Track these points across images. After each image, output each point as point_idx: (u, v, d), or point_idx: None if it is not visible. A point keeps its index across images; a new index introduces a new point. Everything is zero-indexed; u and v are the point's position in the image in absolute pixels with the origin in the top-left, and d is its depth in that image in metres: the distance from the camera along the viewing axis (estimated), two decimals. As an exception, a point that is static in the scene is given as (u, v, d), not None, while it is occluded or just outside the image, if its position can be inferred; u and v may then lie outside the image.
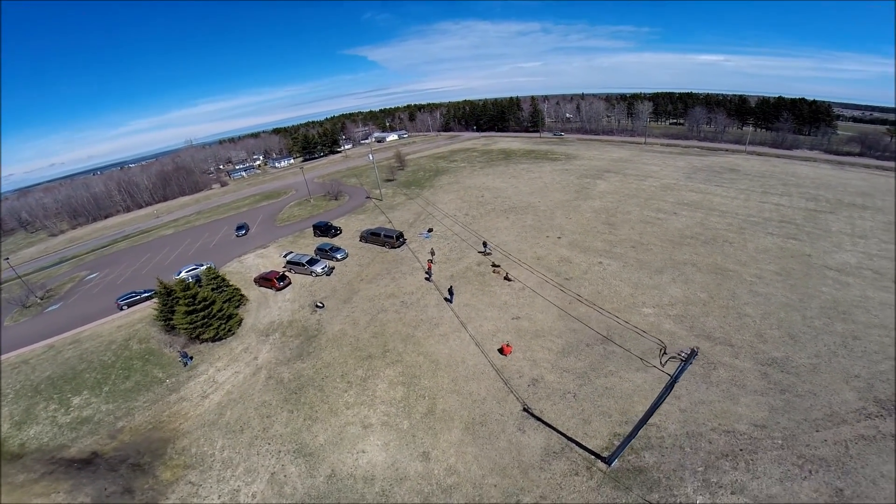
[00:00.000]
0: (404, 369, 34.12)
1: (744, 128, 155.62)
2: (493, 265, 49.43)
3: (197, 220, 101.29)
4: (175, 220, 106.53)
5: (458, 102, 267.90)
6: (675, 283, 42.84)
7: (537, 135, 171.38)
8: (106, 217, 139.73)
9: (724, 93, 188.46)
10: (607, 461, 23.75)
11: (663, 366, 29.47)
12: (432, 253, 54.38)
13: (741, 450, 23.73)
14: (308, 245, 64.22)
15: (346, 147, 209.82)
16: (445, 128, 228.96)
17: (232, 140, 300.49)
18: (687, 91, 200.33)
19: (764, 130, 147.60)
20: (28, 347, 46.66)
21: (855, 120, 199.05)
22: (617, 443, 24.99)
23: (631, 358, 32.28)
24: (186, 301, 39.99)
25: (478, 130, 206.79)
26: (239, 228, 78.75)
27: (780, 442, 24.00)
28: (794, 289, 40.34)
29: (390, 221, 71.29)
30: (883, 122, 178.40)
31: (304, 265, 53.70)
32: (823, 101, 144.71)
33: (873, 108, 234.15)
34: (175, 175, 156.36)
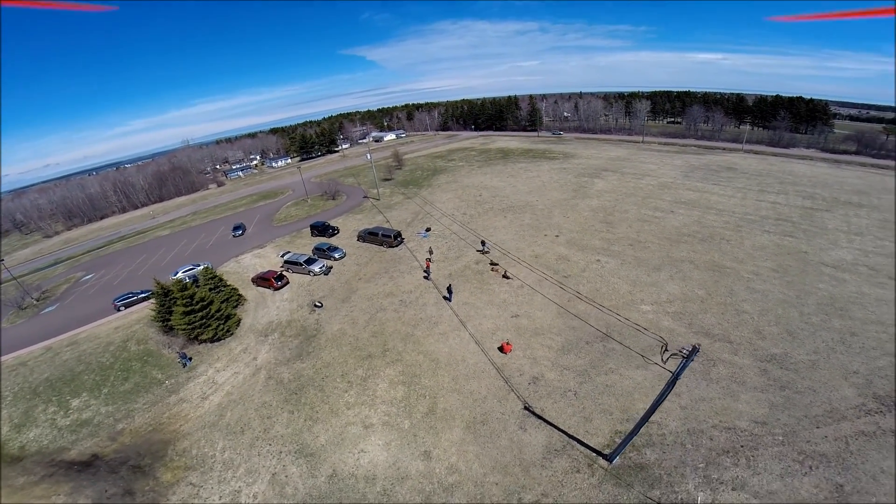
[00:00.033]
0: (404, 368, 34.10)
1: (741, 126, 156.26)
2: (492, 263, 49.46)
3: (193, 220, 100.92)
4: (171, 221, 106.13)
5: (457, 102, 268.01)
6: (672, 280, 42.96)
7: (535, 134, 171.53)
8: (102, 218, 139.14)
9: (721, 91, 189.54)
10: (609, 458, 23.80)
11: (665, 362, 29.66)
12: (431, 252, 54.36)
13: (742, 446, 23.81)
14: (305, 245, 64.09)
15: (344, 147, 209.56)
16: (443, 127, 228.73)
17: (229, 140, 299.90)
18: (684, 90, 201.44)
19: (761, 129, 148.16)
20: (25, 349, 46.37)
21: (852, 118, 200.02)
22: (618, 440, 25.07)
23: (631, 355, 32.35)
24: (184, 301, 39.84)
25: (476, 130, 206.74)
26: (236, 229, 78.50)
27: (780, 438, 24.09)
28: (791, 285, 40.51)
29: (388, 221, 71.22)
30: (879, 120, 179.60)
31: (301, 265, 53.59)
32: (820, 100, 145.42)
33: (870, 107, 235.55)
34: (171, 175, 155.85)
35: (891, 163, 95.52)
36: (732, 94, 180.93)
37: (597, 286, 43.02)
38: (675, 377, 29.06)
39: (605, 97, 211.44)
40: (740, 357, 31.30)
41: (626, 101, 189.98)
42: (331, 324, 41.97)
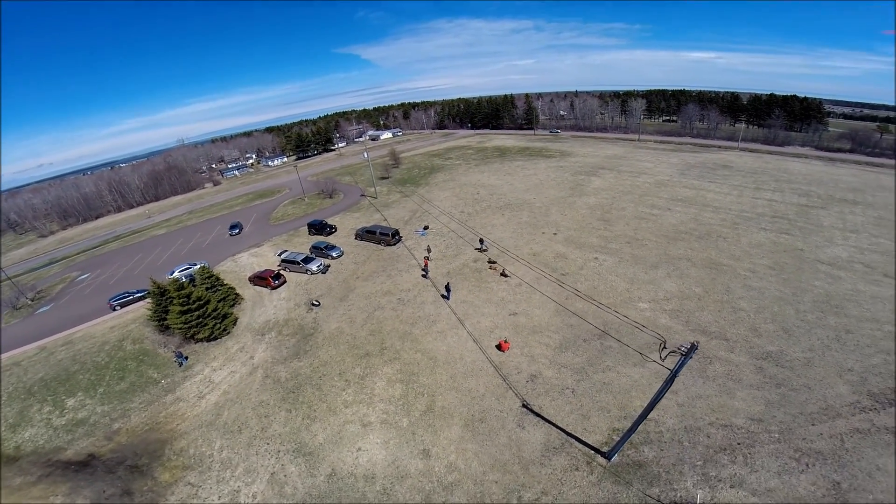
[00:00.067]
0: (402, 367, 34.07)
1: (736, 124, 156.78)
2: (490, 262, 49.48)
3: (189, 219, 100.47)
4: (167, 220, 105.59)
5: (453, 100, 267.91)
6: (669, 277, 43.10)
7: (532, 132, 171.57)
8: (97, 217, 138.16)
9: (716, 90, 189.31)
10: (607, 456, 23.87)
11: (663, 360, 29.73)
12: (428, 250, 54.31)
13: (739, 444, 23.92)
14: (303, 243, 63.90)
15: (340, 145, 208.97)
16: (440, 126, 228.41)
17: (224, 139, 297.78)
18: (680, 88, 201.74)
19: (756, 127, 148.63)
20: (20, 349, 46.06)
21: (845, 117, 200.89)
22: (616, 437, 25.14)
23: (628, 353, 32.44)
24: (181, 301, 39.65)
25: (472, 128, 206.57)
26: (232, 227, 78.18)
27: (776, 436, 24.21)
28: (787, 283, 40.71)
29: (385, 219, 71.13)
30: (873, 118, 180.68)
31: (299, 263, 53.44)
32: (815, 98, 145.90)
33: (863, 105, 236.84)
34: (167, 174, 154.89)
35: (885, 160, 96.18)
36: (727, 92, 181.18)
37: (594, 284, 43.11)
38: (674, 374, 29.16)
39: (601, 96, 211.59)
40: (736, 354, 31.44)
41: (622, 99, 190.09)
42: (328, 322, 41.89)
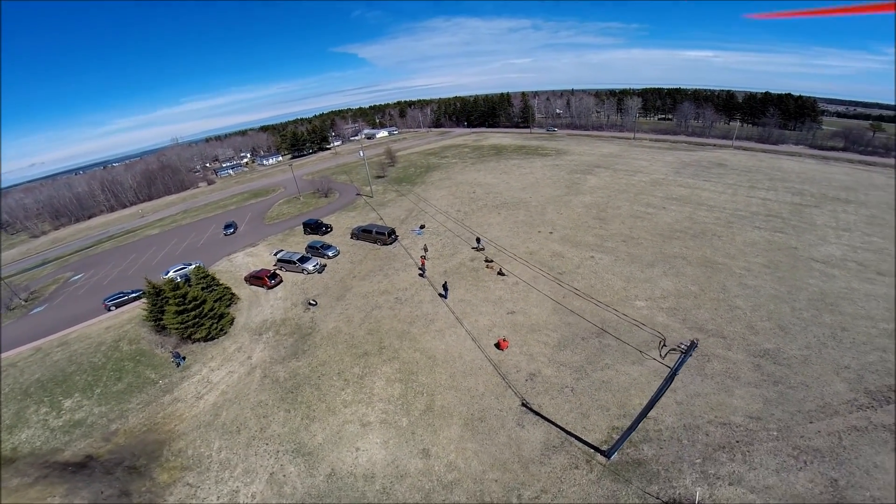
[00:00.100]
0: (401, 366, 34.05)
1: (731, 123, 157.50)
2: (487, 260, 49.52)
3: (184, 219, 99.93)
4: (161, 220, 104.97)
5: (449, 99, 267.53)
6: (666, 276, 43.30)
7: (528, 130, 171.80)
8: (89, 217, 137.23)
9: (711, 88, 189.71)
10: (607, 454, 23.97)
11: (663, 358, 29.87)
12: (425, 249, 54.23)
13: (737, 441, 24.09)
14: (298, 243, 63.70)
15: (336, 144, 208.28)
16: (436, 124, 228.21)
17: (219, 138, 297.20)
18: (675, 87, 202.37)
19: (751, 125, 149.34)
20: (14, 350, 45.63)
21: (839, 115, 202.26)
22: (616, 436, 25.25)
23: (626, 351, 32.57)
24: (176, 301, 39.43)
25: (469, 126, 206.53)
26: (227, 227, 77.75)
27: (774, 433, 24.39)
28: (782, 281, 41.00)
29: (382, 218, 71.01)
30: (866, 117, 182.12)
31: (295, 263, 53.26)
32: (809, 97, 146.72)
33: (856, 104, 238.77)
34: (160, 174, 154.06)
35: (877, 159, 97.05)
36: (722, 91, 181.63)
37: (591, 282, 43.24)
38: (674, 372, 29.31)
39: (597, 94, 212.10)
40: (734, 352, 31.64)
41: (618, 98, 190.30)
42: (326, 322, 41.79)
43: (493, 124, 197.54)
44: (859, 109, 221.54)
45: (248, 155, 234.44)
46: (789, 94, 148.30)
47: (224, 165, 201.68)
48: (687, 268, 44.53)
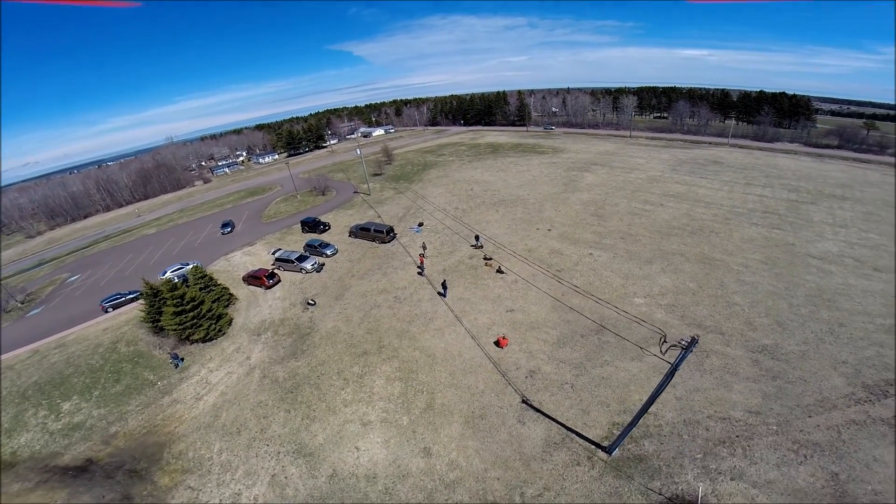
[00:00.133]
0: (401, 365, 34.04)
1: (726, 121, 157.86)
2: (485, 258, 49.54)
3: (180, 218, 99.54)
4: (157, 219, 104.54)
5: (445, 97, 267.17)
6: (664, 272, 43.44)
7: (524, 128, 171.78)
8: (85, 217, 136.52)
9: (707, 87, 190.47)
10: (608, 450, 24.04)
11: (664, 354, 29.95)
12: (424, 247, 54.19)
13: (737, 436, 24.22)
14: (296, 242, 63.54)
15: (332, 142, 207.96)
16: (432, 122, 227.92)
17: (214, 137, 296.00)
18: (671, 85, 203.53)
19: (746, 124, 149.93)
20: (12, 353, 45.37)
21: (833, 113, 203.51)
22: (616, 432, 25.31)
23: (625, 347, 32.68)
24: (174, 301, 39.27)
25: (465, 125, 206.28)
26: (224, 226, 77.49)
27: (774, 428, 24.55)
28: (779, 277, 41.20)
29: (379, 216, 70.91)
30: (860, 115, 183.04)
31: (293, 262, 53.12)
32: (803, 95, 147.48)
33: (850, 102, 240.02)
34: (156, 172, 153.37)
35: (872, 157, 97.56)
36: (718, 89, 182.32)
37: (590, 279, 43.34)
38: (675, 368, 29.32)
39: (593, 92, 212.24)
40: (732, 348, 31.80)
41: (614, 96, 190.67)
42: (325, 321, 41.72)
43: (490, 122, 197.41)
44: (853, 108, 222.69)
45: (244, 153, 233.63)
46: (784, 93, 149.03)
47: (220, 164, 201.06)
48: (685, 264, 44.69)
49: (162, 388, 35.80)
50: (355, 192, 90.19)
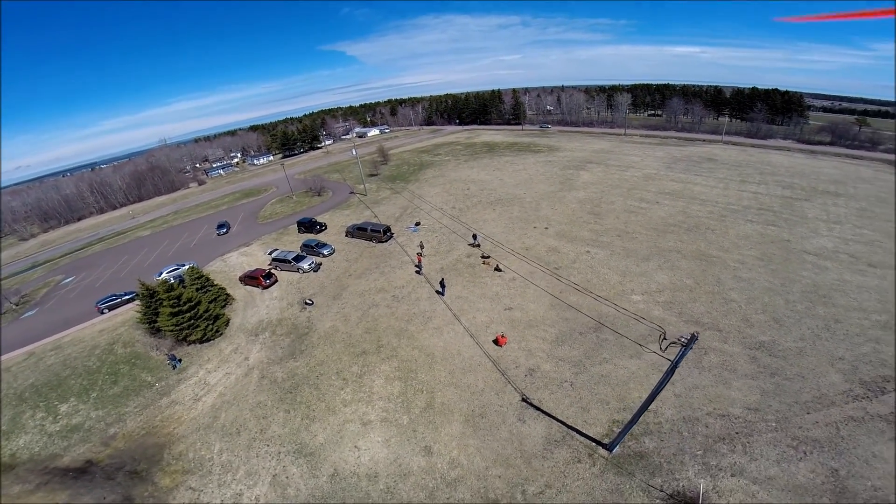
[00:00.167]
0: (400, 364, 34.01)
1: (720, 118, 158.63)
2: (483, 256, 49.57)
3: (175, 219, 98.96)
4: (152, 221, 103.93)
5: (440, 96, 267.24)
6: (661, 270, 43.62)
7: (519, 127, 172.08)
8: (79, 219, 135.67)
9: (700, 84, 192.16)
10: (609, 448, 24.14)
11: (664, 351, 30.10)
12: (421, 246, 54.18)
13: (737, 433, 24.36)
14: (293, 242, 63.35)
15: (327, 143, 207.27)
16: (428, 122, 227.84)
17: (208, 138, 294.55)
18: (664, 82, 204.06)
19: (739, 121, 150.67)
20: (7, 355, 44.94)
21: (825, 110, 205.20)
22: (616, 429, 25.42)
23: (624, 345, 32.79)
24: (171, 302, 39.06)
25: (460, 124, 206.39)
26: (220, 227, 77.13)
27: (773, 424, 24.70)
28: (775, 273, 41.46)
29: (376, 216, 70.79)
30: (851, 111, 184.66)
31: (290, 262, 52.95)
32: (795, 92, 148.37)
33: (841, 99, 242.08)
34: (150, 175, 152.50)
35: (864, 153, 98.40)
36: (710, 86, 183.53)
37: (587, 277, 43.46)
38: (675, 365, 29.55)
39: (587, 90, 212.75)
40: (730, 345, 31.96)
41: (608, 94, 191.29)
42: (322, 321, 41.62)
43: (485, 121, 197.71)
44: (845, 104, 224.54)
45: (239, 155, 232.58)
46: (776, 90, 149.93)
47: (214, 165, 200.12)
48: (682, 261, 44.90)
49: (160, 390, 35.61)
50: (351, 193, 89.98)
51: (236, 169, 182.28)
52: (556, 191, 73.16)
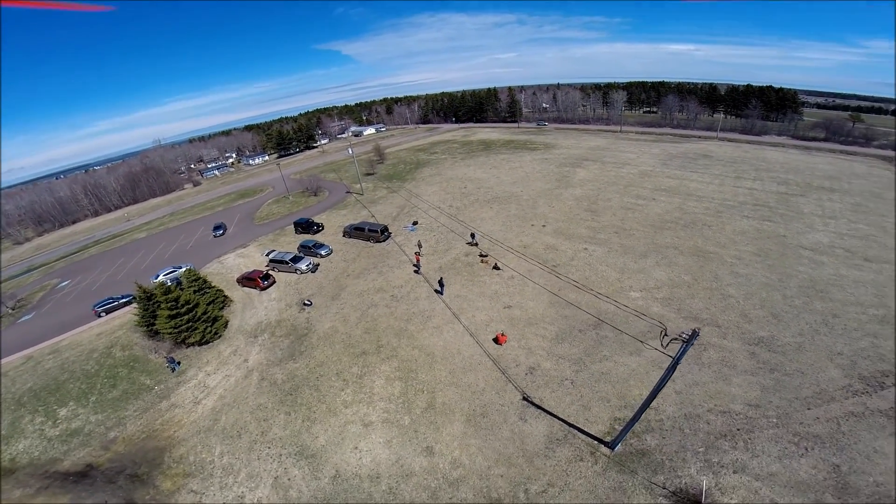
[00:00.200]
0: (400, 364, 33.97)
1: (715, 115, 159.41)
2: (482, 255, 49.56)
3: (171, 221, 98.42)
4: (148, 223, 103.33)
5: (436, 94, 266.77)
6: (659, 266, 43.76)
7: (515, 125, 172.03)
8: (74, 222, 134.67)
9: (694, 81, 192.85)
10: (610, 446, 24.20)
11: (665, 347, 30.10)
12: (419, 245, 54.10)
13: (738, 429, 24.47)
14: (290, 243, 63.09)
15: (323, 142, 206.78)
16: (424, 120, 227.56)
17: (202, 138, 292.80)
18: (659, 80, 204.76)
19: (734, 117, 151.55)
20: (5, 359, 44.59)
21: (819, 106, 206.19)
22: (618, 427, 25.48)
23: (624, 342, 32.87)
24: (168, 305, 38.84)
25: (457, 122, 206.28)
26: (216, 228, 76.75)
27: (774, 421, 24.82)
28: (772, 269, 41.67)
29: (373, 216, 70.64)
30: (845, 108, 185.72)
31: (287, 263, 52.76)
32: (789, 89, 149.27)
33: (835, 95, 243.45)
34: (145, 176, 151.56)
35: (858, 149, 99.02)
36: (705, 83, 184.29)
37: (586, 274, 43.53)
38: (676, 362, 29.51)
39: (583, 88, 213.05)
40: (729, 341, 32.11)
41: (603, 91, 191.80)
42: (321, 322, 41.51)
43: (481, 119, 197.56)
44: (838, 101, 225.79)
45: (234, 155, 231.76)
46: (770, 87, 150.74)
47: (209, 166, 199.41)
48: (679, 258, 45.04)
49: (159, 393, 35.43)
50: (348, 193, 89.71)
51: (231, 169, 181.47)
52: (552, 188, 73.23)
